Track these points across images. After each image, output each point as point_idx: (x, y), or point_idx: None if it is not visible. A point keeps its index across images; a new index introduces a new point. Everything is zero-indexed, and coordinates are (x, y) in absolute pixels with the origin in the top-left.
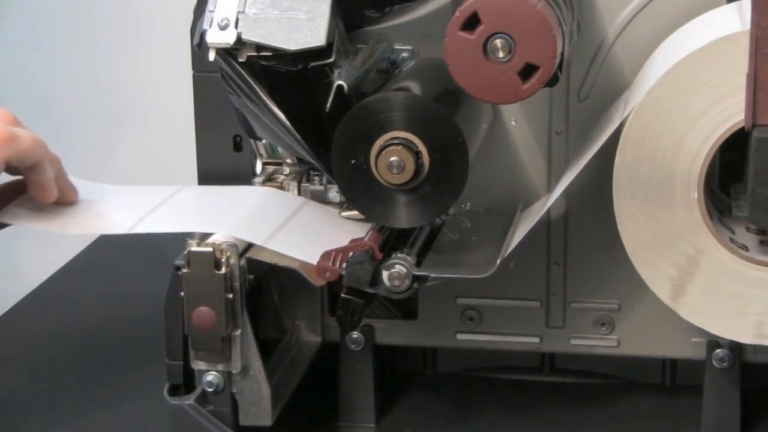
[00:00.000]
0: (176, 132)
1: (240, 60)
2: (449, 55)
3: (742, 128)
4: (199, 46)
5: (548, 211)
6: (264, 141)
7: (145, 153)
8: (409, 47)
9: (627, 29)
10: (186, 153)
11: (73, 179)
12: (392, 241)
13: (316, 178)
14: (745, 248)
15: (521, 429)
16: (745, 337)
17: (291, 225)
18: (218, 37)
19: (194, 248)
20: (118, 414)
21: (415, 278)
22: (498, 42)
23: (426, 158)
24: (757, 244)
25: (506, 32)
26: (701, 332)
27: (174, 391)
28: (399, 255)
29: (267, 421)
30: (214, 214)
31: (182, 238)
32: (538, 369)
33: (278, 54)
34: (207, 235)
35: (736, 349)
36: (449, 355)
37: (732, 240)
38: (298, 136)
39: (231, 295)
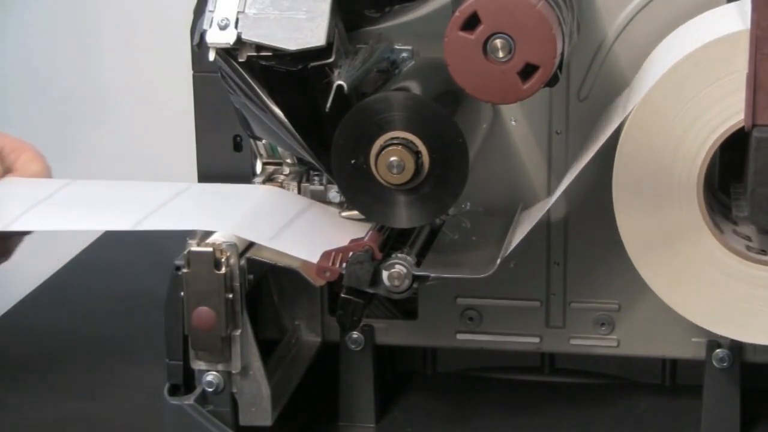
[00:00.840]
0: (176, 132)
1: (240, 60)
2: (449, 55)
3: (742, 128)
4: (199, 46)
5: (548, 211)
6: (264, 141)
7: (144, 153)
8: (409, 47)
9: (627, 29)
10: (186, 153)
11: None
12: (392, 241)
13: (316, 178)
14: (764, 252)
15: (521, 429)
16: None
17: (176, 201)
18: (218, 37)
19: (194, 248)
20: (117, 414)
21: (415, 278)
22: (498, 42)
23: (426, 158)
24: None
25: (506, 32)
26: (701, 332)
27: (174, 391)
28: (399, 255)
29: (267, 421)
30: (91, 210)
31: (182, 237)
32: (538, 369)
33: (278, 54)
34: (207, 235)
35: (736, 349)
36: (449, 355)
37: (749, 247)
38: (298, 136)
39: (231, 295)
